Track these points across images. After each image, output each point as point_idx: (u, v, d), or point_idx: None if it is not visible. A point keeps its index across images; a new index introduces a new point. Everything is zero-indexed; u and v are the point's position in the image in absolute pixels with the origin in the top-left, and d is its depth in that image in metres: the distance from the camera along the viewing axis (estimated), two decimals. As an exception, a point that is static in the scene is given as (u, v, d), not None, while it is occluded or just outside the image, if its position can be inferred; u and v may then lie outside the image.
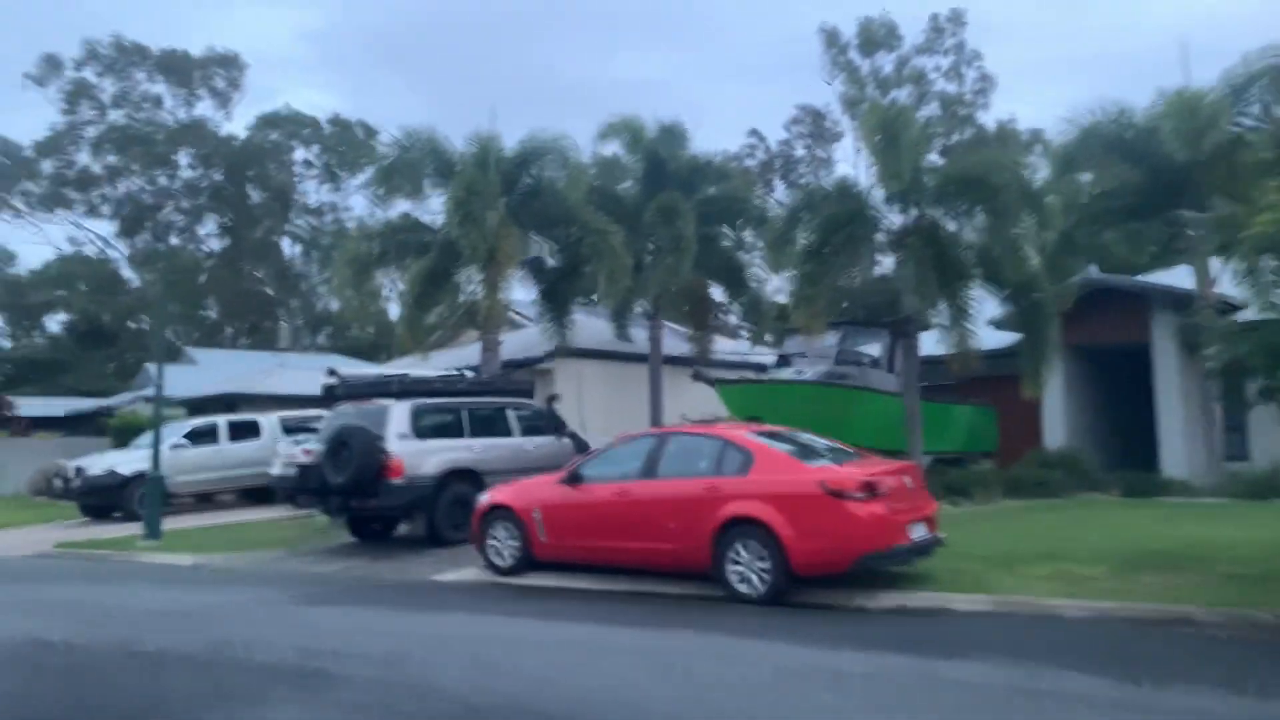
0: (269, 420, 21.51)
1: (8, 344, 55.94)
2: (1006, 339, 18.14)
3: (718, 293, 23.21)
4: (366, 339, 54.39)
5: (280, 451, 19.57)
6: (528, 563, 10.61)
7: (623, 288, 18.91)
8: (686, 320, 23.13)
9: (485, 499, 11.17)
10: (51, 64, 48.80)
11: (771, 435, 9.88)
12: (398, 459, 12.97)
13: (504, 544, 10.77)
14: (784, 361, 18.15)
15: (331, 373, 14.93)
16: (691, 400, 21.90)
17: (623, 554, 9.86)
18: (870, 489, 8.71)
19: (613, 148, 21.33)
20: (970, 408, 19.41)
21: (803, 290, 14.50)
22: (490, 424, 14.63)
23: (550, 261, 19.73)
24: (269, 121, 54.06)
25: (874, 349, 18.00)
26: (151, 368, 38.64)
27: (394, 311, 58.52)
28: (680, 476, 9.63)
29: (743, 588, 8.89)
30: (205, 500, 21.71)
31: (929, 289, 14.37)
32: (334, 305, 61.96)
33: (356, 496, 13.10)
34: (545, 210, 18.68)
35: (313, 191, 58.58)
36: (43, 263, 54.16)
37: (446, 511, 13.32)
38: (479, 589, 10.51)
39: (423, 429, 13.56)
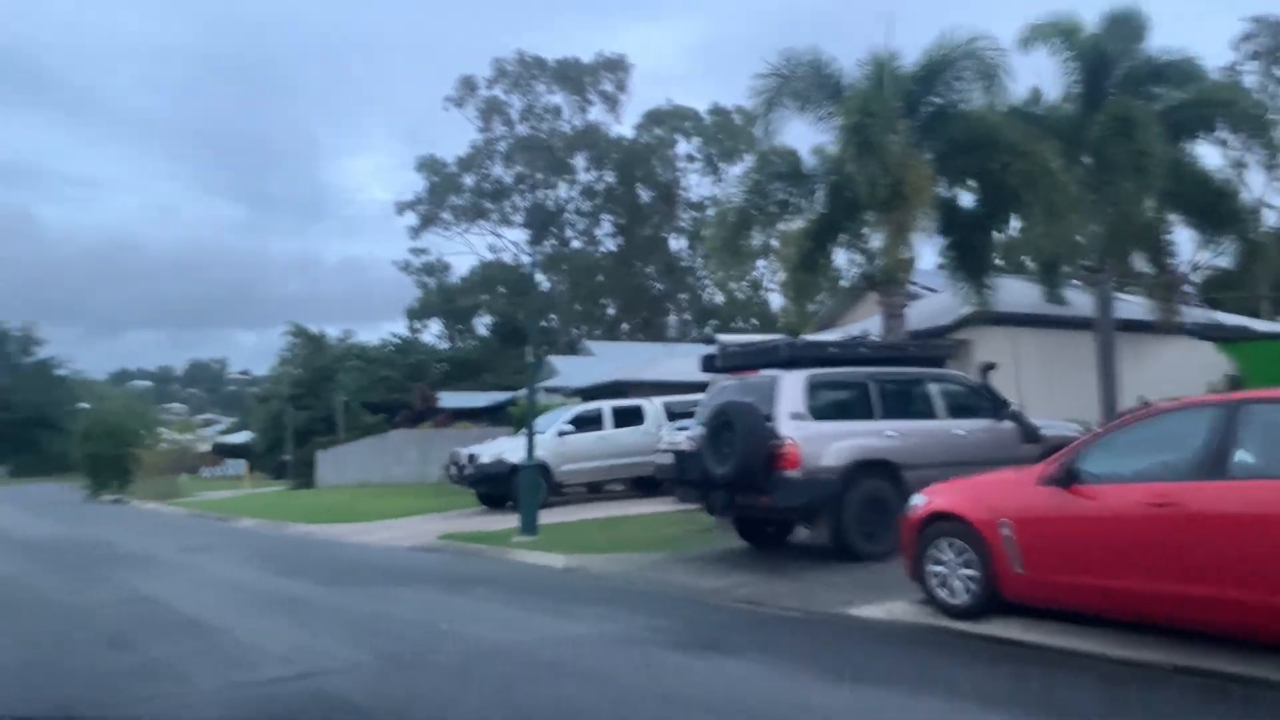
0: (653, 405, 19.44)
1: (445, 345, 61.21)
2: None
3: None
4: (750, 331, 52.67)
5: (663, 438, 17.37)
6: (991, 601, 6.84)
7: (1065, 226, 14.28)
8: (1141, 273, 17.76)
9: (922, 503, 7.52)
10: (468, 86, 52.27)
11: None
12: (792, 445, 9.72)
13: (953, 571, 7.08)
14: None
15: (709, 339, 12.15)
16: (1150, 373, 16.67)
17: (1165, 604, 5.79)
18: None
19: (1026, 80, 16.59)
20: None
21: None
22: (906, 401, 10.94)
23: (965, 203, 15.54)
24: (654, 118, 54.10)
25: None
26: (554, 360, 39.32)
27: (775, 303, 56.56)
28: (1282, 476, 5.40)
29: None
30: (595, 490, 20.16)
31: None
32: (719, 298, 61.33)
33: (744, 491, 10.04)
34: (956, 136, 14.53)
35: (695, 185, 58.12)
36: (469, 269, 58.48)
37: (856, 515, 9.88)
38: (916, 637, 6.94)
39: (821, 407, 10.21)
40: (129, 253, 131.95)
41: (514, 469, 17.55)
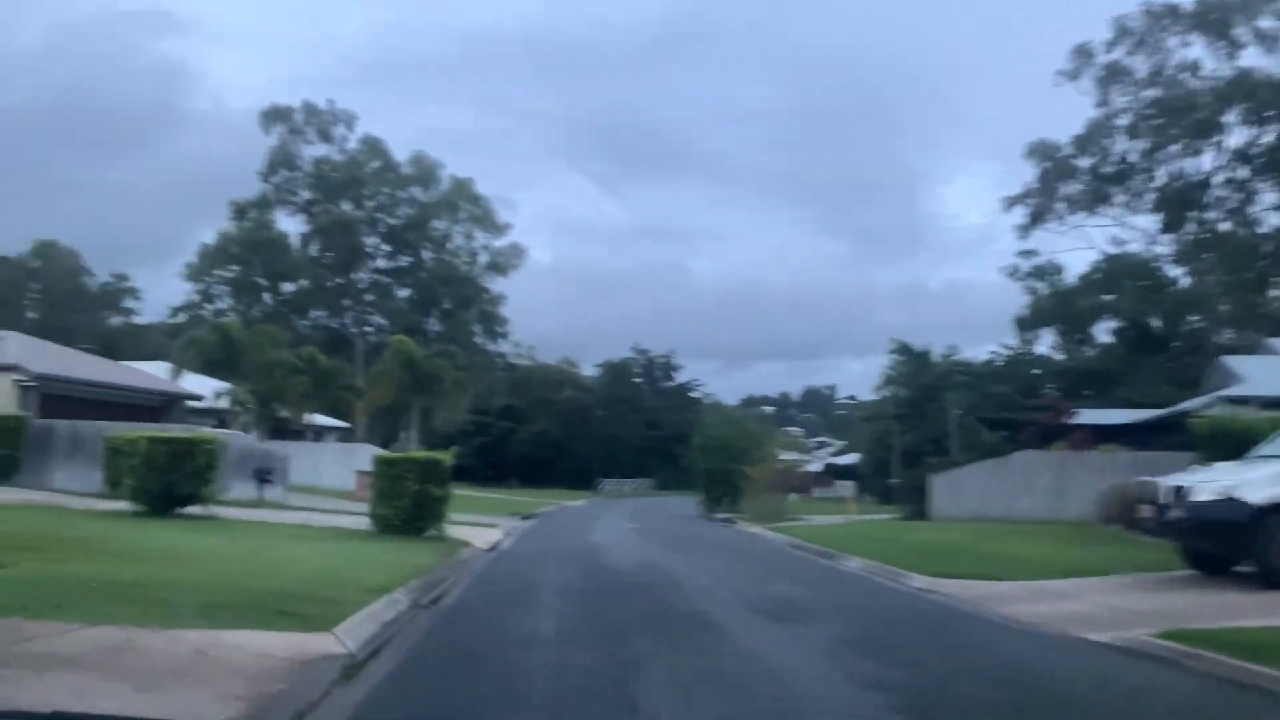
0: None
1: (1059, 357, 52.19)
2: None
3: None
4: None
5: None
6: None
7: None
8: None
9: None
10: (1082, 54, 43.58)
11: None
12: None
13: None
14: None
15: None
16: None
17: None
18: None
19: None
20: None
21: None
22: None
23: None
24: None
25: None
26: (1228, 361, 29.21)
27: None
28: None
29: None
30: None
31: None
32: None
33: None
34: None
35: None
36: (1089, 267, 48.94)
37: None
38: None
39: None
40: (755, 293, 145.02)
41: (1257, 514, 10.50)
